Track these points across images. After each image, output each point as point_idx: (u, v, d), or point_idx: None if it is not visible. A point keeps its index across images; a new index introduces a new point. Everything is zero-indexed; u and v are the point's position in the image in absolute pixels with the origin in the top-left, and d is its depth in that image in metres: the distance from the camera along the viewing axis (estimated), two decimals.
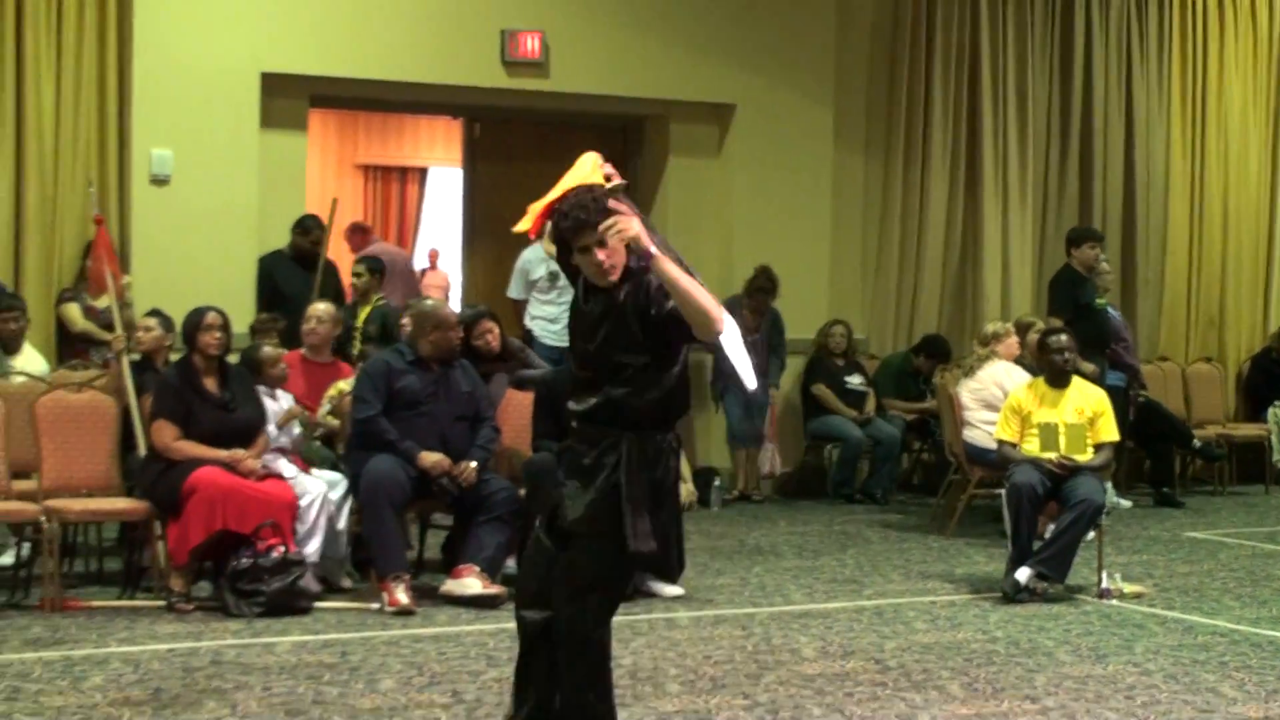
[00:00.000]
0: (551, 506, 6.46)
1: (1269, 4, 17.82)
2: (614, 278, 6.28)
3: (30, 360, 11.69)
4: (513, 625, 9.16)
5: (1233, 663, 9.06)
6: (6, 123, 12.82)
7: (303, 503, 10.06)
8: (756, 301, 14.54)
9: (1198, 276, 17.71)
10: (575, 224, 6.21)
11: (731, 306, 14.41)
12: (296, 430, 10.68)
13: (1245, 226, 17.90)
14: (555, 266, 13.84)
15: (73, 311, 12.40)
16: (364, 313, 13.39)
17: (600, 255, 6.19)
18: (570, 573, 6.22)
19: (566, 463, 6.45)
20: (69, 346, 12.45)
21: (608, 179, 6.49)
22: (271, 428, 10.34)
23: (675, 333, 6.21)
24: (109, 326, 11.41)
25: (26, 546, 10.41)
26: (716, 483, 14.65)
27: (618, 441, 6.23)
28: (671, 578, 10.54)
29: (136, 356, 10.94)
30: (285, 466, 10.22)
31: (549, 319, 13.68)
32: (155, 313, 11.30)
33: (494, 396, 11.00)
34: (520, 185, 15.17)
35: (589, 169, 6.41)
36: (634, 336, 6.25)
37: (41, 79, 12.87)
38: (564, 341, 11.54)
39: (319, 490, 10.23)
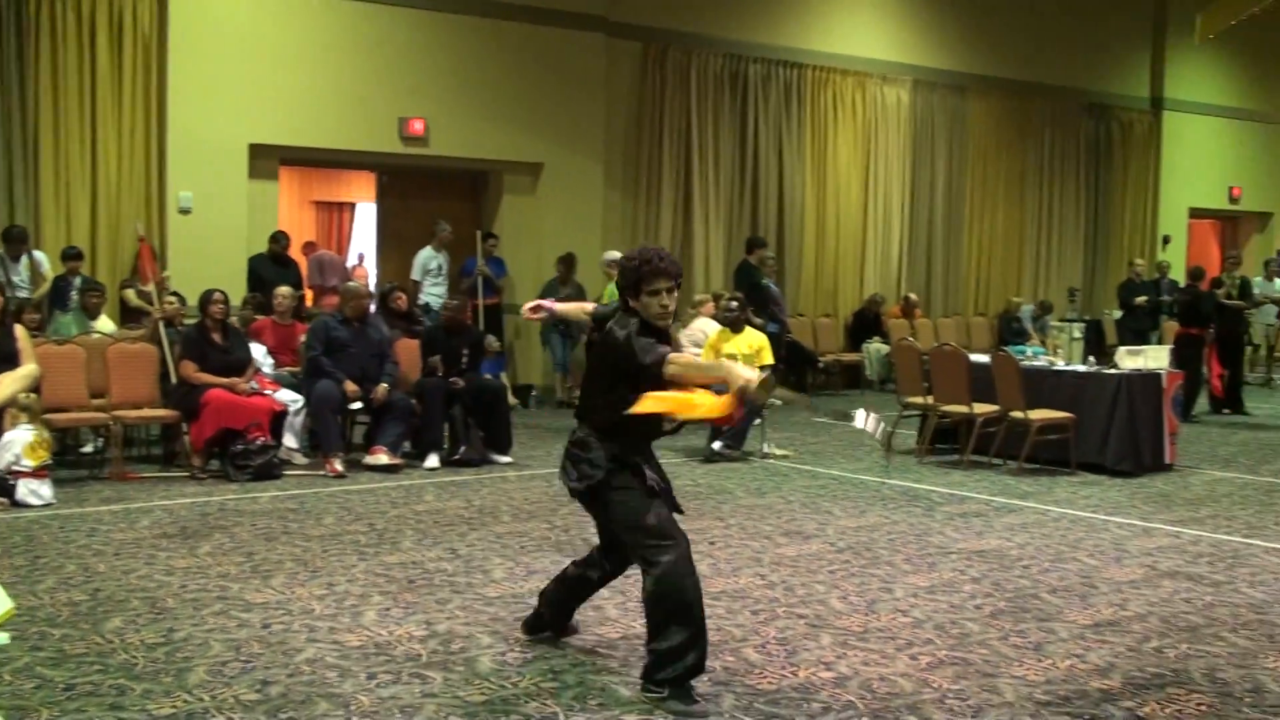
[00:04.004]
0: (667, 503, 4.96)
1: (854, 104, 18.05)
2: (668, 322, 4.87)
3: (104, 324, 11.43)
4: (406, 481, 9.10)
5: (839, 495, 9.25)
6: (86, 173, 12.43)
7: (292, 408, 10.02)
8: (562, 273, 14.50)
9: (820, 265, 17.92)
10: (661, 270, 4.75)
11: (551, 283, 14.47)
12: (268, 365, 10.58)
13: (847, 235, 18.11)
14: (441, 260, 13.82)
15: (129, 294, 12.09)
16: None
17: (668, 300, 4.77)
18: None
19: (647, 469, 4.94)
20: (128, 315, 12.12)
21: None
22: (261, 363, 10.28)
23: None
24: (151, 303, 11.14)
25: (100, 440, 10.21)
26: (534, 393, 14.60)
27: None
28: (505, 451, 10.55)
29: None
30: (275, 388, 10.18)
31: (437, 295, 13.52)
32: (174, 293, 11.19)
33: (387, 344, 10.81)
34: (412, 214, 15.04)
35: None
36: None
37: (108, 145, 12.47)
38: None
39: (289, 404, 10.13)
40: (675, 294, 4.84)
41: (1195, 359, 14.19)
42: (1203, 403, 14.76)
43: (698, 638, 4.70)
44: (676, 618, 4.66)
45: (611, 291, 12.45)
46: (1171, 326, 18.14)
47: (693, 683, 4.74)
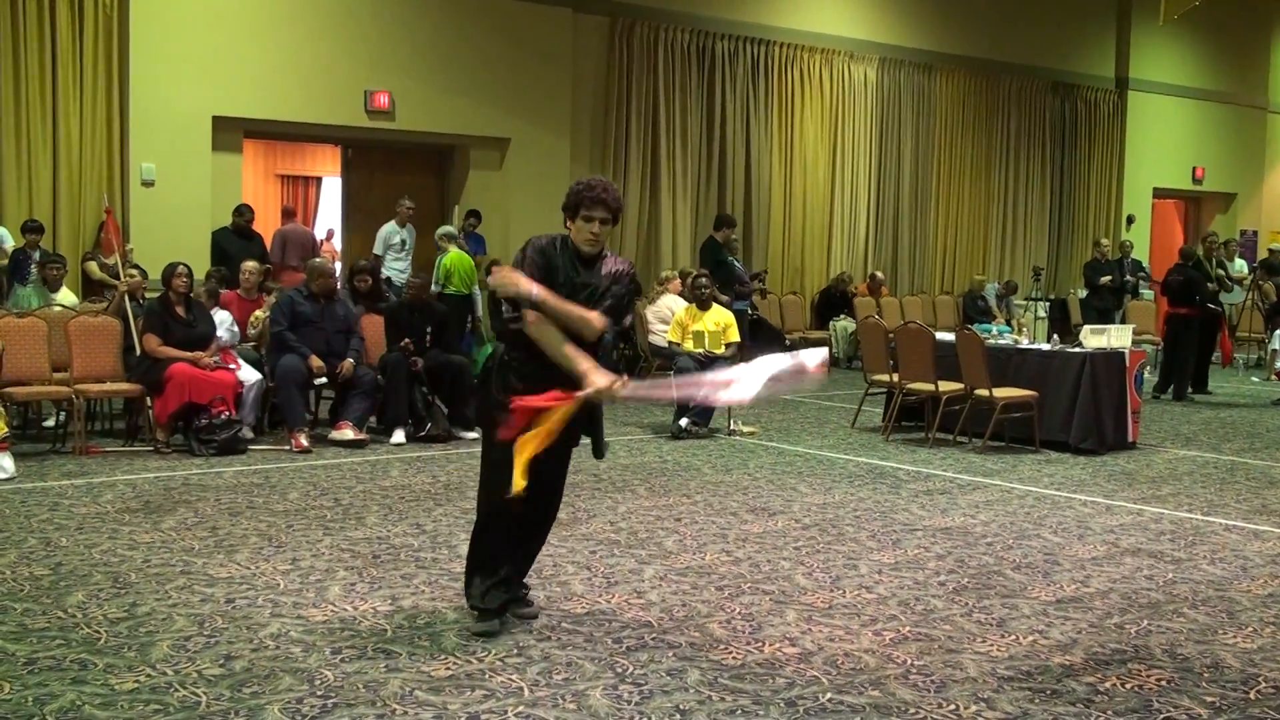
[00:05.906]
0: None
1: (821, 82, 18.05)
2: (595, 250, 5.09)
3: (66, 296, 11.33)
4: (371, 456, 9.05)
5: (805, 472, 9.27)
6: (47, 146, 12.36)
7: (246, 384, 9.93)
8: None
9: (787, 243, 17.98)
10: (595, 197, 5.02)
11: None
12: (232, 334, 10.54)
13: (814, 214, 18.18)
14: (404, 236, 13.76)
15: (92, 267, 12.01)
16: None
17: (599, 230, 5.04)
18: (561, 480, 5.53)
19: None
20: (90, 288, 12.02)
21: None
22: (221, 333, 10.18)
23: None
24: (115, 276, 11.06)
25: (63, 414, 10.11)
26: None
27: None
28: (470, 427, 10.51)
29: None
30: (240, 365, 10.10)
31: (399, 270, 13.49)
32: (135, 266, 11.07)
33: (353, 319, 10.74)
34: (377, 188, 14.96)
35: None
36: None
37: (70, 118, 12.41)
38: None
39: (254, 378, 10.05)
40: (608, 227, 5.09)
41: (1187, 339, 14.23)
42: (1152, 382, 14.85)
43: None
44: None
45: (447, 263, 12.88)
46: (1138, 305, 18.28)
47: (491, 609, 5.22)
